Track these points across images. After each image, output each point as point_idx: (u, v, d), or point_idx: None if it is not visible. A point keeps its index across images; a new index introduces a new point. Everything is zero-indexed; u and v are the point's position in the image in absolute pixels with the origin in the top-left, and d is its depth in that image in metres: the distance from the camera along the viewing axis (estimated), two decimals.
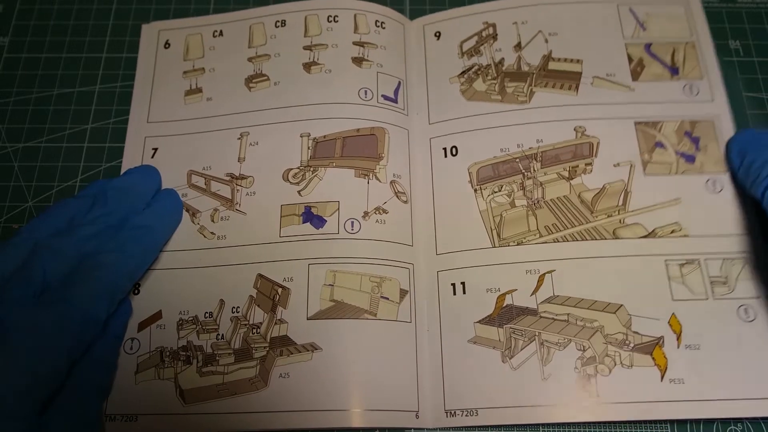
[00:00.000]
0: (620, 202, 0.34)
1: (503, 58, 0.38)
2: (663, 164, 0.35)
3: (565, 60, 0.38)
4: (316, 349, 0.31)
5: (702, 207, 0.34)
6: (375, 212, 0.34)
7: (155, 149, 0.37)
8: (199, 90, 0.38)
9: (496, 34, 0.39)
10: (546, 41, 0.38)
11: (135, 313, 0.33)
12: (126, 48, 0.41)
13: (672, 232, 0.33)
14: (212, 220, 0.34)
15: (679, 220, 0.34)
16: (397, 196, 0.35)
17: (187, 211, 0.35)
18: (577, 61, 0.38)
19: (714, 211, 0.34)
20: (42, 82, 0.40)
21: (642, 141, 0.36)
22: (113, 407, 0.31)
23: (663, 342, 0.31)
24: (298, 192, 0.34)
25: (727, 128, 0.36)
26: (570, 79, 0.37)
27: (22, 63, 0.41)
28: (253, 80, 0.38)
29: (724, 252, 0.33)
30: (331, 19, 0.39)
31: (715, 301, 0.32)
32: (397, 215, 0.34)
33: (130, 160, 0.36)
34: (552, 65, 0.38)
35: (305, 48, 0.38)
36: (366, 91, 0.37)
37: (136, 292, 0.33)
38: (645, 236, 0.33)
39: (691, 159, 0.35)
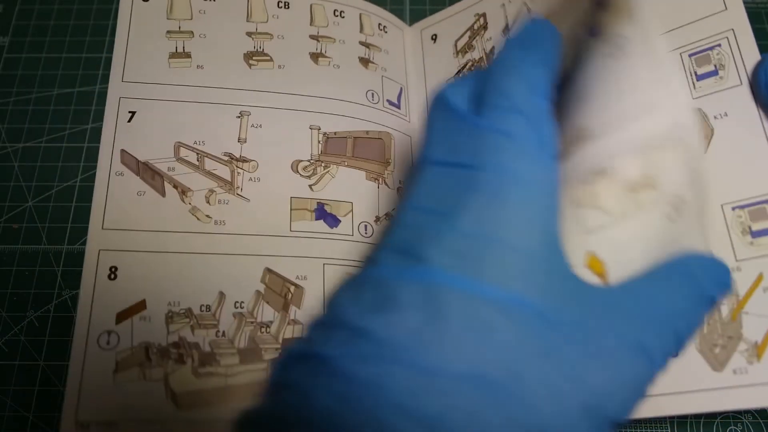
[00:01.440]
0: None
1: (493, 47, 0.36)
2: None
3: None
4: None
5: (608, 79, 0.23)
6: (385, 218, 0.34)
7: (132, 113, 0.34)
8: (187, 55, 0.36)
9: (487, 24, 0.37)
10: (528, 9, 0.35)
11: (113, 302, 0.29)
12: None
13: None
14: (207, 202, 0.32)
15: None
16: None
17: (175, 187, 0.32)
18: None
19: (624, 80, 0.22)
20: (42, 82, 0.40)
21: None
22: (86, 413, 0.27)
23: None
24: (310, 186, 0.34)
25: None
26: None
27: (22, 63, 0.40)
28: (254, 57, 0.36)
29: (645, 137, 0.21)
30: (337, 13, 0.38)
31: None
32: None
33: (108, 125, 0.33)
34: None
35: (311, 37, 0.37)
36: (373, 94, 0.37)
37: (112, 276, 0.30)
38: None
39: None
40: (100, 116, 0.39)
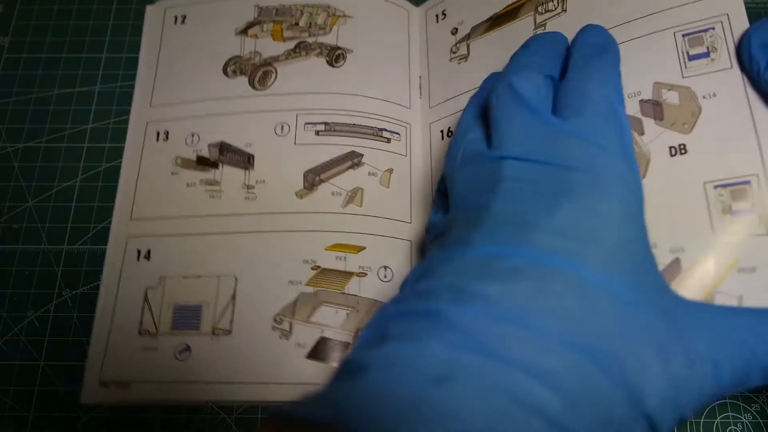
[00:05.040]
0: None
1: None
2: None
3: None
4: None
5: None
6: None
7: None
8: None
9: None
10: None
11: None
12: (126, 48, 0.41)
13: None
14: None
15: None
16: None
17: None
18: None
19: None
20: (42, 82, 0.40)
21: None
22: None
23: None
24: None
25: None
26: None
27: (22, 63, 0.40)
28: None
29: None
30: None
31: None
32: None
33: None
34: None
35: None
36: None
37: None
38: None
39: None
40: (100, 116, 0.39)
